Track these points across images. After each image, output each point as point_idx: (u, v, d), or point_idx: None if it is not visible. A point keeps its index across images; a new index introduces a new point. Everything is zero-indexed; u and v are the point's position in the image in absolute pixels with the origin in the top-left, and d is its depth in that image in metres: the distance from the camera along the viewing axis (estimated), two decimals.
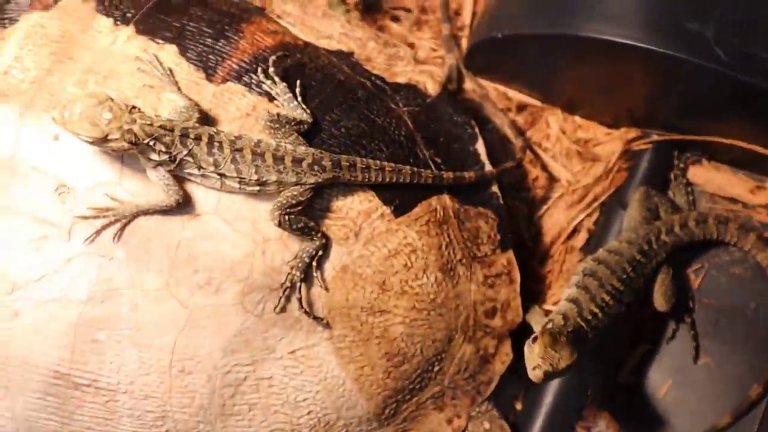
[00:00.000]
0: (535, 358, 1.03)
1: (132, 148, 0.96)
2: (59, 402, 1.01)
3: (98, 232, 1.00)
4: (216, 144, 0.97)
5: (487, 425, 1.15)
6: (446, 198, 1.11)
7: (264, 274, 1.02)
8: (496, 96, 1.32)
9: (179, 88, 1.03)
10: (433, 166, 1.11)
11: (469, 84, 1.31)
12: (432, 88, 1.17)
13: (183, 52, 1.06)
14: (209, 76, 1.05)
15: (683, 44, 1.07)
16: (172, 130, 0.96)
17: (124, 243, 1.00)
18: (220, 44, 1.07)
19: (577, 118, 1.32)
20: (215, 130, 0.99)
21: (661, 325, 1.25)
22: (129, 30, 1.06)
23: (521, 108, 1.33)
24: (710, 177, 1.29)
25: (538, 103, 1.32)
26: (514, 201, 1.27)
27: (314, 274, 1.04)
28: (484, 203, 1.15)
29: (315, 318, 1.03)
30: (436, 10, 1.34)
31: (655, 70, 1.13)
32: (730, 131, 1.22)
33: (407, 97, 1.15)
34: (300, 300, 1.03)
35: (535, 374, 1.03)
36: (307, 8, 1.19)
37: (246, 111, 1.04)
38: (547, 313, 1.18)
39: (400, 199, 1.08)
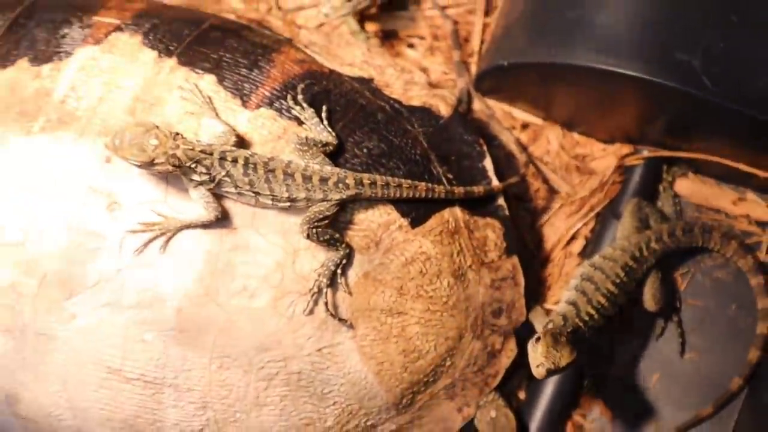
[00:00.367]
0: (539, 357, 1.03)
1: (176, 170, 0.95)
2: (112, 394, 1.01)
3: (146, 245, 0.99)
4: (251, 165, 0.97)
5: (493, 413, 1.14)
6: (457, 210, 1.10)
7: (294, 280, 1.01)
8: (502, 115, 1.31)
9: (217, 114, 1.02)
10: (445, 182, 1.10)
11: (477, 104, 1.29)
12: (444, 110, 1.15)
13: (221, 81, 1.05)
14: (244, 103, 1.04)
15: (673, 73, 1.06)
16: (211, 154, 0.96)
17: (168, 254, 1.00)
18: (254, 73, 1.06)
19: (576, 135, 1.31)
20: (250, 153, 0.98)
21: (650, 322, 1.24)
22: (172, 61, 1.05)
23: (525, 126, 1.32)
24: (696, 189, 1.28)
25: (539, 121, 1.31)
26: (518, 211, 1.26)
27: (339, 280, 1.04)
28: (491, 214, 1.14)
29: (340, 319, 1.03)
30: (447, 38, 1.32)
31: (646, 96, 1.13)
32: (714, 149, 1.21)
33: (422, 118, 1.14)
34: (326, 303, 1.03)
35: (538, 371, 1.03)
36: (331, 38, 1.19)
37: (277, 134, 1.03)
38: (547, 312, 1.17)
39: (416, 212, 1.07)
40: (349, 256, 1.03)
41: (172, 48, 1.07)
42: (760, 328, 1.18)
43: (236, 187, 0.97)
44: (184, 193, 0.99)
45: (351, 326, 1.04)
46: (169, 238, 1.00)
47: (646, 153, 1.27)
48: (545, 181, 1.29)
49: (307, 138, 1.01)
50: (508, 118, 1.31)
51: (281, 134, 1.03)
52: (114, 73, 1.05)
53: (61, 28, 1.08)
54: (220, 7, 1.32)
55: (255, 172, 0.97)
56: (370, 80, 1.14)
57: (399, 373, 1.07)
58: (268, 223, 1.01)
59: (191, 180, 0.97)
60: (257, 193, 0.97)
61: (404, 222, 1.06)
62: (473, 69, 1.32)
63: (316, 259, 1.01)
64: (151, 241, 0.99)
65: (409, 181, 1.04)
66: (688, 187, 1.28)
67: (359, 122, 1.07)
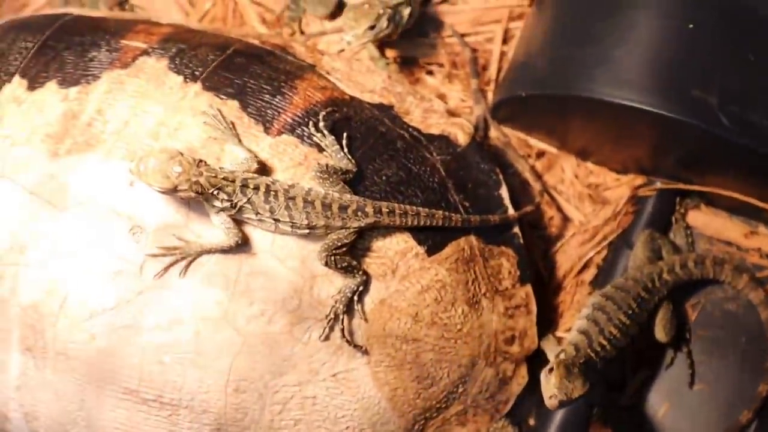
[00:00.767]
0: (552, 388, 1.02)
1: (198, 196, 0.94)
2: (128, 414, 1.00)
3: (166, 269, 0.98)
4: (272, 193, 0.96)
5: None
6: (473, 238, 1.09)
7: (311, 306, 1.01)
8: (518, 143, 1.31)
9: (240, 140, 1.01)
10: (462, 210, 1.09)
11: (494, 132, 1.29)
12: (462, 139, 1.15)
13: (244, 107, 1.05)
14: (267, 129, 1.04)
15: (690, 110, 1.05)
16: (233, 181, 0.95)
17: (189, 278, 0.99)
18: (277, 100, 1.05)
19: (590, 165, 1.30)
20: (271, 180, 0.98)
21: (660, 353, 1.23)
22: (197, 86, 1.05)
23: (540, 154, 1.31)
24: (708, 221, 1.27)
25: (554, 150, 1.30)
26: (531, 238, 1.25)
27: (356, 306, 1.03)
28: (506, 243, 1.13)
29: (355, 346, 1.02)
30: (466, 65, 1.32)
31: (662, 130, 1.12)
32: (727, 182, 1.20)
33: (440, 146, 1.13)
34: (342, 330, 1.02)
35: (551, 403, 1.02)
36: (352, 65, 1.18)
37: (298, 161, 1.03)
38: (559, 341, 1.16)
39: (432, 239, 1.06)
40: (366, 283, 1.03)
41: (197, 73, 1.07)
42: None
43: (257, 213, 0.96)
44: (205, 218, 0.99)
45: (366, 352, 1.03)
46: (190, 263, 0.99)
47: (659, 184, 1.26)
48: (559, 209, 1.29)
49: (327, 165, 1.00)
50: (523, 146, 1.31)
51: (302, 161, 1.03)
52: (140, 97, 1.04)
53: (89, 51, 1.08)
54: (244, 32, 1.31)
55: (276, 199, 0.96)
56: (390, 107, 1.13)
57: (412, 399, 1.06)
58: (287, 250, 1.01)
59: (213, 206, 0.96)
60: (277, 220, 0.97)
61: (421, 250, 1.05)
62: (490, 97, 1.31)
63: (334, 285, 1.01)
64: (171, 265, 0.99)
65: (427, 210, 1.04)
66: (700, 219, 1.27)
67: (379, 150, 1.07)
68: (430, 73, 1.34)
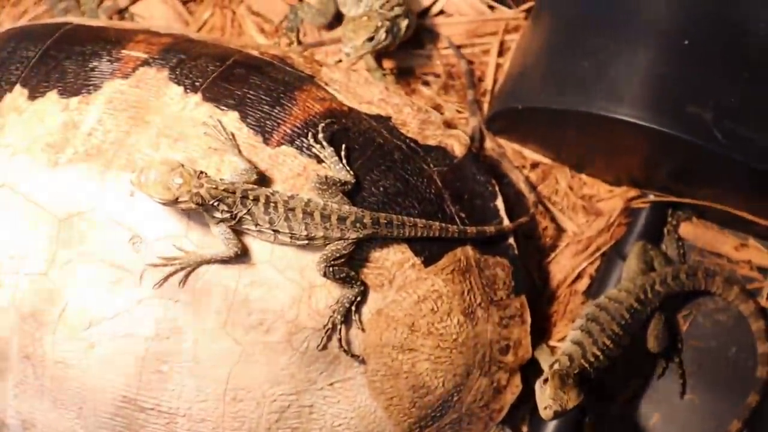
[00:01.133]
0: (547, 399, 1.03)
1: (199, 207, 0.94)
2: (126, 422, 1.01)
3: (166, 278, 0.98)
4: (272, 204, 0.96)
5: None
6: (469, 249, 1.09)
7: (309, 316, 1.01)
8: (513, 154, 1.31)
9: (240, 151, 1.01)
10: (458, 221, 1.09)
11: (489, 143, 1.29)
12: (459, 150, 1.15)
13: (243, 118, 1.04)
14: (266, 140, 1.04)
15: (685, 125, 1.06)
16: (233, 193, 0.95)
17: (188, 288, 0.99)
18: (276, 111, 1.05)
19: (584, 176, 1.30)
20: (271, 191, 0.98)
21: (652, 363, 1.23)
22: (197, 97, 1.05)
23: (534, 165, 1.32)
24: (700, 234, 1.28)
25: (549, 161, 1.31)
26: (526, 248, 1.25)
27: (353, 317, 1.02)
28: (501, 253, 1.13)
29: (352, 355, 1.02)
30: (462, 76, 1.33)
31: (657, 145, 1.12)
32: (719, 196, 1.21)
33: (437, 158, 1.13)
34: (340, 340, 1.02)
35: (546, 413, 1.03)
36: (351, 76, 1.18)
37: (297, 172, 1.02)
38: (553, 350, 1.17)
39: (429, 250, 1.06)
40: (363, 294, 1.03)
41: (197, 84, 1.06)
42: (759, 372, 1.17)
43: (256, 224, 0.97)
44: (205, 228, 0.99)
45: (363, 362, 1.03)
46: (189, 273, 0.99)
47: (652, 197, 1.26)
48: (553, 219, 1.29)
49: (326, 177, 1.01)
50: (518, 158, 1.31)
51: (301, 172, 1.03)
52: (140, 108, 1.04)
53: (90, 61, 1.08)
54: (243, 42, 1.31)
55: (275, 210, 0.96)
56: (388, 119, 1.13)
57: (407, 408, 1.06)
58: (286, 260, 1.01)
59: (213, 217, 0.96)
60: (276, 231, 0.97)
61: (417, 261, 1.05)
62: (486, 108, 1.32)
63: (332, 295, 1.01)
64: (171, 275, 0.98)
65: (424, 221, 1.04)
66: (691, 231, 1.28)
67: (376, 161, 1.07)
68: (426, 83, 1.35)
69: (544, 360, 1.13)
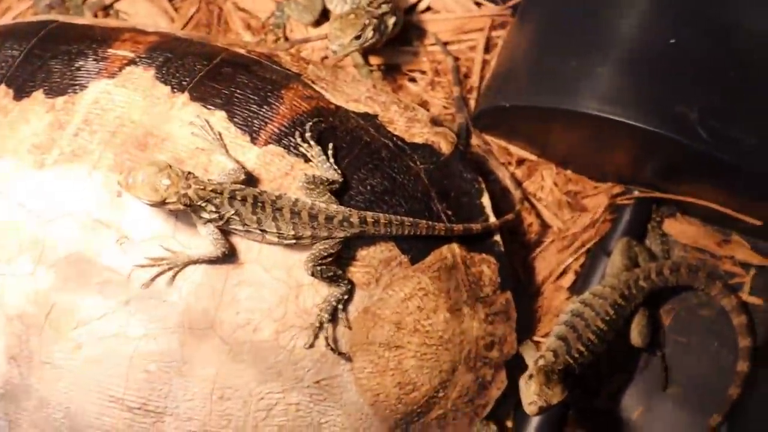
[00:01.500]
0: (531, 395, 1.03)
1: (187, 208, 0.94)
2: (113, 422, 1.01)
3: (154, 279, 0.98)
4: (259, 204, 0.96)
5: None
6: (455, 246, 1.09)
7: (296, 314, 1.00)
8: (499, 151, 1.31)
9: (227, 151, 1.01)
10: (445, 219, 1.09)
11: (475, 140, 1.29)
12: (445, 148, 1.15)
13: (231, 117, 1.04)
14: (253, 140, 1.04)
15: (671, 124, 1.06)
16: (221, 193, 0.95)
17: (175, 288, 0.99)
18: (263, 110, 1.05)
19: (569, 173, 1.31)
20: (259, 191, 0.98)
21: (635, 357, 1.24)
22: (184, 97, 1.05)
23: (520, 162, 1.32)
24: (683, 230, 1.28)
25: (534, 158, 1.31)
26: (511, 244, 1.25)
27: (340, 315, 1.02)
28: (487, 250, 1.13)
29: (339, 353, 1.02)
30: (448, 73, 1.32)
31: (642, 143, 1.13)
32: (702, 193, 1.21)
33: (424, 155, 1.13)
34: (327, 338, 1.01)
35: (530, 409, 1.04)
36: (337, 74, 1.18)
37: (285, 171, 1.02)
38: (537, 346, 1.17)
39: (416, 248, 1.06)
40: (350, 292, 1.03)
41: (184, 83, 1.06)
42: (740, 366, 1.18)
43: (244, 224, 0.96)
44: (192, 228, 0.99)
45: (349, 359, 1.03)
46: (176, 273, 0.99)
47: (636, 193, 1.28)
48: (538, 216, 1.29)
49: (314, 176, 1.01)
50: (504, 154, 1.31)
51: (288, 171, 1.02)
52: (127, 108, 1.04)
53: (76, 60, 1.07)
54: (230, 40, 1.31)
55: (263, 210, 0.96)
56: (375, 116, 1.13)
57: (394, 405, 1.06)
58: (274, 259, 1.01)
59: (200, 217, 0.96)
60: (264, 231, 0.97)
61: (404, 258, 1.05)
62: (472, 105, 1.32)
63: (319, 294, 1.01)
64: (158, 275, 0.98)
65: (411, 219, 1.04)
66: (675, 227, 1.28)
67: (364, 159, 1.07)
68: (413, 80, 1.35)
69: (529, 356, 1.13)
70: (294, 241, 0.98)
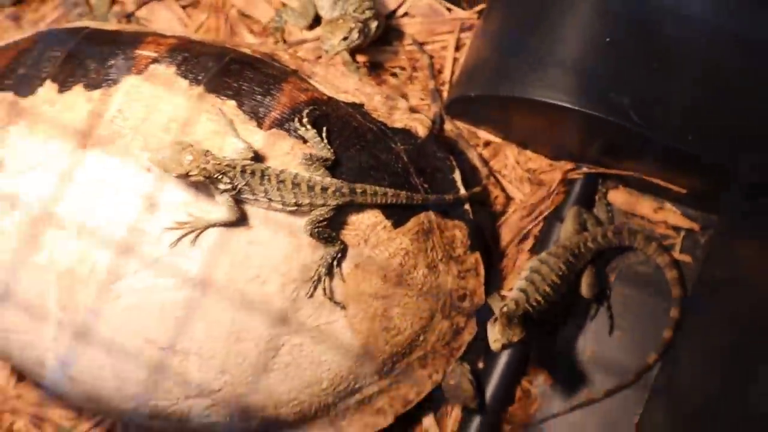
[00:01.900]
0: (496, 334, 1.05)
1: (206, 180, 0.98)
2: (147, 360, 1.04)
3: (179, 239, 1.01)
4: (266, 177, 1.00)
5: (456, 379, 1.16)
6: (431, 214, 1.12)
7: (299, 270, 1.03)
8: (468, 134, 1.31)
9: (238, 134, 1.03)
10: (422, 191, 1.12)
11: (448, 125, 1.30)
12: (422, 132, 1.17)
13: (240, 105, 1.06)
14: (259, 124, 1.06)
15: (606, 108, 1.08)
16: (234, 168, 0.98)
17: (197, 247, 1.02)
18: (267, 100, 1.07)
19: (528, 153, 1.31)
20: (265, 166, 1.01)
21: (586, 307, 1.24)
22: (200, 89, 1.07)
23: (486, 144, 1.32)
24: (625, 199, 1.28)
25: (499, 140, 1.31)
26: (480, 213, 1.26)
27: (335, 270, 1.05)
28: (458, 217, 1.16)
29: (335, 302, 1.05)
30: (424, 69, 1.34)
31: (587, 125, 1.14)
32: (639, 167, 1.22)
33: (403, 138, 1.15)
34: (324, 289, 1.04)
35: (495, 346, 1.06)
36: (329, 70, 1.21)
37: (286, 150, 1.05)
38: (503, 298, 1.17)
39: (397, 215, 1.08)
40: (343, 251, 1.05)
41: (200, 78, 1.07)
42: (672, 312, 1.19)
43: (253, 194, 1.00)
44: (210, 198, 1.02)
45: (343, 307, 1.06)
46: (198, 234, 1.01)
47: (585, 169, 1.27)
48: (503, 189, 1.30)
49: (311, 155, 1.03)
50: (473, 137, 1.32)
51: (289, 151, 1.05)
52: (153, 99, 1.05)
53: (108, 59, 1.09)
54: (237, 41, 1.33)
55: (269, 182, 0.99)
56: (361, 105, 1.15)
57: (381, 346, 1.08)
58: (279, 223, 1.03)
59: (217, 188, 0.99)
60: (270, 200, 1.00)
61: (388, 223, 1.07)
62: (445, 96, 1.33)
63: (317, 253, 1.04)
64: (183, 236, 1.01)
65: (393, 190, 1.06)
66: (618, 197, 1.28)
67: (352, 141, 1.09)
68: (394, 75, 1.35)
69: (495, 305, 1.14)
70: (295, 208, 1.01)
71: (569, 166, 1.29)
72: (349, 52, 1.30)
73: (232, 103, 1.07)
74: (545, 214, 1.29)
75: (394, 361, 1.11)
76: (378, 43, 1.35)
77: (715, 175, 1.14)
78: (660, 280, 1.24)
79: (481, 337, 1.13)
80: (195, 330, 1.03)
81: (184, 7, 1.39)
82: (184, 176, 0.97)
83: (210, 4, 1.38)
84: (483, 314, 1.15)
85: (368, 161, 1.10)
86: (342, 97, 1.16)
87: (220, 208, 1.02)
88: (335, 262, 1.05)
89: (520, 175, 1.31)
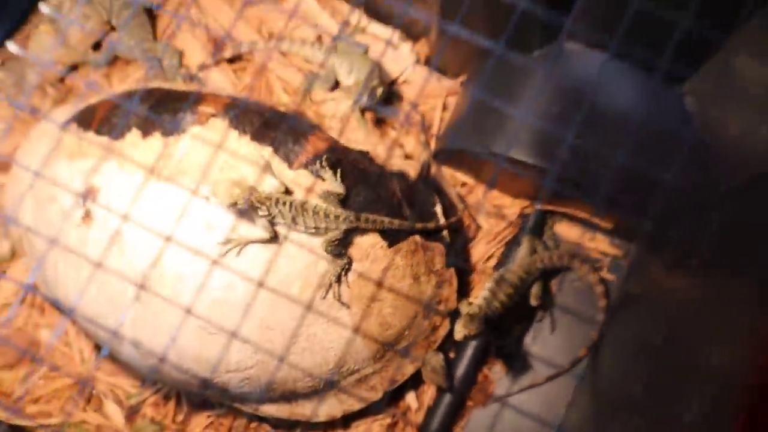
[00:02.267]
0: (460, 327, 1.08)
1: (249, 208, 1.01)
2: (200, 342, 1.05)
3: (227, 252, 1.04)
4: (293, 207, 1.02)
5: (433, 364, 1.17)
6: (417, 237, 1.14)
7: (316, 277, 1.06)
8: (449, 177, 1.33)
9: (273, 173, 1.06)
10: (411, 220, 1.14)
11: (434, 169, 1.29)
12: (413, 174, 1.19)
13: (276, 151, 1.09)
14: (289, 166, 1.09)
15: (551, 161, 1.11)
16: (270, 199, 1.01)
17: (242, 258, 1.05)
18: (296, 147, 1.10)
19: (495, 192, 1.32)
20: (293, 198, 1.03)
21: (534, 312, 1.26)
22: (247, 138, 1.09)
23: (463, 184, 1.33)
24: (567, 230, 1.31)
25: (473, 182, 1.33)
26: (456, 238, 1.27)
27: (343, 278, 1.08)
28: (438, 240, 1.18)
29: (342, 303, 1.08)
30: (417, 125, 1.34)
31: (536, 173, 1.16)
32: (577, 206, 1.25)
33: (398, 179, 1.17)
34: (334, 292, 1.07)
35: (458, 336, 1.08)
36: (344, 124, 1.24)
37: (309, 186, 1.08)
38: (470, 303, 1.17)
39: (392, 238, 1.10)
40: (349, 264, 1.08)
41: (246, 130, 1.10)
42: (598, 318, 1.22)
43: (284, 219, 1.03)
44: (252, 221, 1.04)
45: (348, 307, 1.08)
46: (242, 249, 1.04)
47: (538, 206, 1.29)
48: (474, 220, 1.32)
49: (327, 190, 1.06)
50: (452, 179, 1.33)
51: (311, 186, 1.08)
52: (211, 144, 1.07)
53: (178, 113, 1.11)
54: (274, 99, 1.36)
55: (296, 211, 1.02)
56: (367, 153, 1.17)
57: (376, 337, 1.11)
58: (302, 242, 1.06)
59: (257, 214, 1.02)
60: (296, 224, 1.03)
61: (384, 244, 1.10)
62: (433, 146, 1.33)
63: (330, 265, 1.06)
64: (230, 249, 1.04)
65: (389, 219, 1.08)
66: (562, 229, 1.30)
67: (359, 180, 1.11)
68: (393, 129, 1.35)
69: (463, 308, 1.14)
70: (314, 230, 1.04)
71: (525, 203, 1.31)
72: (360, 110, 1.31)
73: (270, 149, 1.09)
74: (506, 240, 1.31)
75: (385, 349, 1.12)
76: (382, 104, 1.35)
77: (631, 216, 1.15)
78: (590, 293, 1.25)
79: (453, 334, 1.11)
80: (238, 317, 1.04)
81: (234, 71, 1.39)
82: (233, 205, 1.00)
83: (254, 69, 1.37)
84: (455, 316, 1.16)
85: (371, 196, 1.10)
86: (352, 146, 1.16)
87: (259, 229, 1.04)
88: (343, 272, 1.07)
89: (487, 209, 1.32)
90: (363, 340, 1.10)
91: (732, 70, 0.95)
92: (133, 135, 1.11)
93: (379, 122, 1.36)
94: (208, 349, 1.06)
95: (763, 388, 0.58)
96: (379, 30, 1.37)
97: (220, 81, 1.39)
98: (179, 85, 1.24)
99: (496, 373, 1.26)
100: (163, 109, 1.12)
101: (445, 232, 1.19)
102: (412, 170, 1.20)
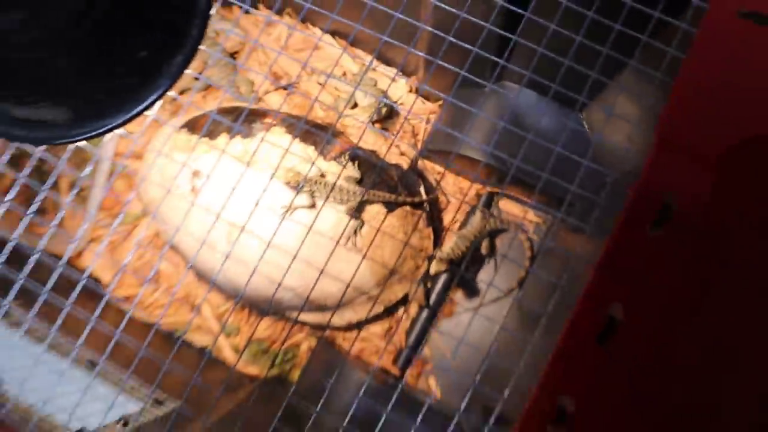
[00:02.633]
0: (435, 266, 1.13)
1: (298, 186, 1.05)
2: (266, 271, 1.05)
3: (284, 215, 1.07)
4: (327, 186, 1.06)
5: (415, 288, 1.22)
6: (407, 207, 1.18)
7: (341, 230, 1.09)
8: (429, 167, 1.33)
9: (314, 163, 1.09)
10: (404, 195, 1.17)
11: (420, 162, 1.32)
12: (405, 165, 1.25)
13: (316, 148, 1.12)
14: (324, 157, 1.12)
15: (499, 161, 1.12)
16: (312, 180, 1.05)
17: (291, 219, 1.08)
18: (328, 147, 1.14)
19: (460, 178, 1.34)
20: (326, 180, 1.06)
21: (482, 258, 1.29)
22: (297, 140, 1.13)
23: (439, 173, 1.34)
24: (508, 206, 1.34)
25: (444, 171, 1.33)
26: (433, 208, 1.30)
27: (358, 232, 1.11)
28: (421, 209, 1.21)
29: (357, 248, 1.11)
30: (409, 132, 1.34)
31: (487, 168, 1.19)
32: (517, 189, 1.28)
33: (396, 168, 1.21)
34: (353, 241, 1.11)
35: (432, 270, 1.13)
36: (360, 132, 1.32)
37: (337, 172, 1.11)
38: (441, 251, 1.18)
39: (390, 207, 1.15)
40: (362, 223, 1.12)
41: (296, 134, 1.13)
42: (525, 264, 1.25)
43: (320, 194, 1.07)
44: (299, 195, 1.07)
45: (360, 250, 1.11)
46: (293, 211, 1.08)
47: (488, 188, 1.32)
48: (445, 196, 1.34)
49: (349, 175, 1.11)
50: (432, 169, 1.33)
51: (338, 172, 1.11)
52: (274, 144, 1.04)
53: (252, 124, 1.15)
54: (314, 114, 1.36)
55: (328, 188, 1.06)
56: (375, 151, 1.21)
57: (379, 272, 1.15)
58: (332, 208, 1.10)
59: (302, 191, 1.05)
60: (328, 197, 1.07)
61: (385, 211, 1.14)
62: (419, 147, 1.34)
63: (351, 223, 1.10)
64: (287, 211, 1.06)
65: (389, 194, 1.12)
66: (504, 204, 1.33)
67: (369, 168, 1.14)
68: (393, 135, 1.34)
69: (437, 254, 1.15)
70: (340, 201, 1.08)
71: (480, 186, 1.34)
72: (371, 122, 1.32)
73: (311, 147, 1.14)
74: (466, 210, 1.33)
75: (385, 279, 1.16)
76: (386, 118, 1.38)
77: (552, 197, 1.19)
78: (521, 247, 1.29)
79: (429, 269, 1.14)
80: (288, 258, 0.95)
81: (287, 95, 1.40)
82: (288, 184, 1.06)
83: (301, 93, 1.36)
84: (431, 259, 1.17)
85: (377, 179, 1.15)
86: (366, 146, 1.22)
87: (304, 199, 1.09)
88: (358, 228, 1.12)
89: (454, 190, 1.35)
90: (370, 272, 1.14)
91: (612, 104, 0.98)
92: (223, 137, 1.15)
93: (384, 130, 1.37)
94: (271, 276, 1.09)
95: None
96: (385, 69, 1.39)
97: (278, 101, 1.41)
98: (252, 105, 1.29)
99: (458, 298, 1.30)
100: (243, 120, 1.15)
101: (426, 205, 1.21)
102: (404, 163, 1.26)
